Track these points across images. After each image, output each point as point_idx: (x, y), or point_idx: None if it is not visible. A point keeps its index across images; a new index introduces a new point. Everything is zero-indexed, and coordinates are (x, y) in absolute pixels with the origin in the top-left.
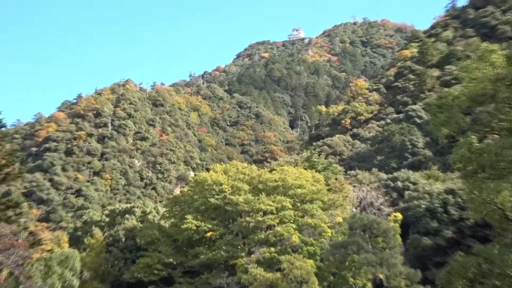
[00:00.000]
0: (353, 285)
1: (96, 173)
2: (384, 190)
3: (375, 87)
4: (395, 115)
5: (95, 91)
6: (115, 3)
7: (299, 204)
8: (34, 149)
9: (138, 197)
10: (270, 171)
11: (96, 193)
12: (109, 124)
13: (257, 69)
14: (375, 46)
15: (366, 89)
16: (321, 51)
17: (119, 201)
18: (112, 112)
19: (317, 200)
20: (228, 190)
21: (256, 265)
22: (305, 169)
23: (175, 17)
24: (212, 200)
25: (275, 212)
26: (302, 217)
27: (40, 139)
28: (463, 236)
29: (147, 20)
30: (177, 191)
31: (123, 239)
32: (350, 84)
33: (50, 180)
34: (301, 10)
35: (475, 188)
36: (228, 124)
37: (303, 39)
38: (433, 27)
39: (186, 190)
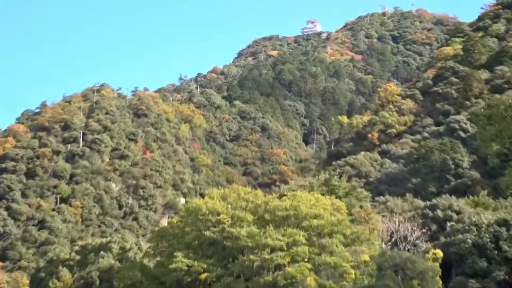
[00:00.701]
0: None
1: (64, 200)
2: (421, 221)
3: (409, 92)
4: (434, 128)
5: (63, 99)
6: None
7: (315, 239)
8: None
9: (116, 230)
10: (280, 198)
11: (64, 224)
12: (80, 139)
13: (263, 71)
14: (409, 42)
15: (398, 95)
16: (342, 48)
17: (92, 235)
18: (84, 124)
19: (337, 233)
20: (228, 221)
21: None
22: (323, 194)
23: (161, 6)
24: (207, 233)
25: (285, 249)
26: (319, 254)
27: None
28: None
29: (125, 10)
30: (164, 222)
31: (97, 282)
32: (378, 89)
33: (7, 208)
34: None
35: None
36: (228, 138)
37: (319, 34)
38: (480, 18)
39: (175, 221)
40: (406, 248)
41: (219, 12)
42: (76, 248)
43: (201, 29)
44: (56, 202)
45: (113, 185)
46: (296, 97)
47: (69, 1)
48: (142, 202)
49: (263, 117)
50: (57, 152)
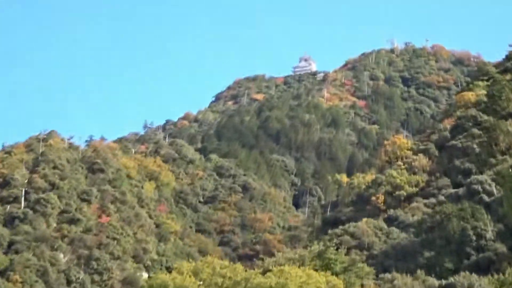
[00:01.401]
0: None
1: (0, 273)
2: None
3: (422, 147)
4: (451, 190)
5: (2, 149)
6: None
7: None
8: None
9: None
10: (263, 273)
11: None
12: (22, 199)
13: (246, 118)
14: (422, 85)
15: (408, 149)
16: (342, 91)
17: None
18: (26, 181)
19: None
20: None
21: None
22: (316, 270)
23: (123, 38)
24: None
25: None
26: None
27: None
28: None
29: (78, 43)
30: None
31: None
32: (385, 142)
33: None
34: (311, 30)
35: None
36: (201, 200)
37: (314, 74)
38: (509, 58)
39: None
40: None
41: (194, 46)
42: None
43: (171, 65)
44: None
45: (61, 255)
46: (285, 150)
47: (13, 31)
48: (96, 277)
49: (244, 175)
50: None
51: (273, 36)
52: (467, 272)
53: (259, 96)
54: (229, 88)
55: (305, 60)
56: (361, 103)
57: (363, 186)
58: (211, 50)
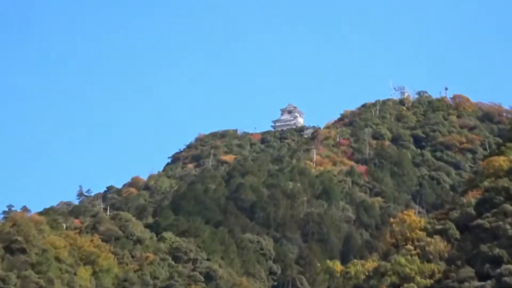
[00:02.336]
0: None
1: None
2: None
3: (439, 226)
4: (477, 283)
5: None
6: None
7: None
8: None
9: None
10: None
11: None
12: None
13: (211, 186)
14: (440, 146)
15: (421, 230)
16: (336, 153)
17: None
18: None
19: None
20: None
21: None
22: None
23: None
24: None
25: None
26: None
27: None
28: None
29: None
30: None
31: None
32: (391, 219)
33: None
34: (297, 74)
35: None
36: None
37: (301, 130)
38: None
39: None
40: None
41: (145, 94)
42: None
43: (112, 116)
44: None
45: None
46: (262, 229)
47: None
48: None
49: (208, 259)
50: None
51: (248, 81)
52: None
53: (229, 158)
54: (189, 146)
55: (289, 112)
56: (360, 168)
57: (362, 277)
58: (169, 98)
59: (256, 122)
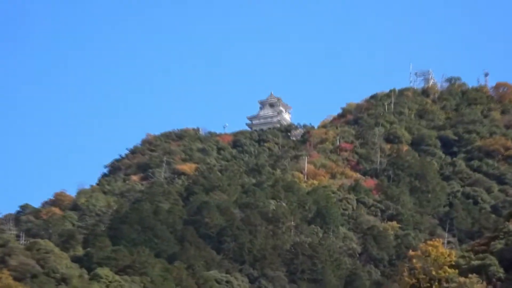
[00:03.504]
0: None
1: None
2: None
3: (475, 262)
4: None
5: None
6: None
7: None
8: None
9: None
10: None
11: None
12: None
13: (164, 206)
14: (478, 152)
15: (451, 266)
16: (336, 161)
17: None
18: None
19: None
20: None
21: None
22: None
23: None
24: None
25: None
26: None
27: None
28: None
29: None
30: None
31: None
32: (411, 252)
33: None
34: (284, 54)
35: None
36: None
37: (288, 130)
38: None
39: None
40: None
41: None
42: None
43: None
44: None
45: None
46: (233, 265)
47: None
48: None
49: None
50: None
51: (214, 64)
52: None
53: (188, 167)
54: (133, 152)
55: (271, 105)
56: (369, 182)
57: None
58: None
59: (226, 119)
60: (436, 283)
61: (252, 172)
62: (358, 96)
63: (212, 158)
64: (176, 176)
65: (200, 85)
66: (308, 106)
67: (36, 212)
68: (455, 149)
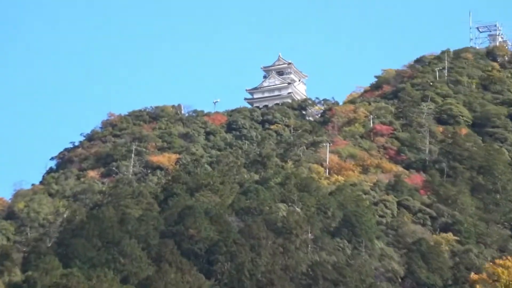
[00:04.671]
0: None
1: None
2: None
3: None
4: None
5: None
6: None
7: None
8: None
9: None
10: None
11: None
12: None
13: (133, 212)
14: None
15: None
16: (370, 149)
17: None
18: None
19: None
20: None
21: None
22: None
23: None
24: None
25: None
26: None
27: None
28: None
29: None
30: None
31: None
32: (472, 276)
33: None
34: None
35: None
36: None
37: (302, 107)
38: None
39: None
40: None
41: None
42: None
43: None
44: None
45: None
46: None
47: None
48: None
49: None
50: None
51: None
52: None
53: (166, 159)
54: (91, 138)
55: (279, 73)
56: (415, 178)
57: None
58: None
59: (218, 93)
60: None
61: (254, 165)
62: (398, 60)
63: (199, 146)
64: (149, 171)
65: (182, 47)
66: (330, 74)
67: None
68: None
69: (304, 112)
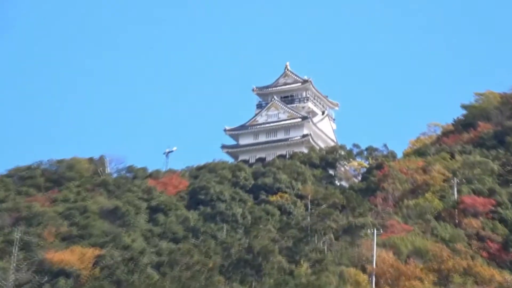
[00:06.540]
0: None
1: None
2: None
3: None
4: None
5: None
6: None
7: None
8: None
9: None
10: None
11: None
12: None
13: None
14: None
15: None
16: (455, 240)
17: None
18: None
19: None
20: None
21: None
22: None
23: None
24: None
25: None
26: None
27: None
28: None
29: None
30: None
31: None
32: None
33: None
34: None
35: None
36: None
37: (332, 159)
38: None
39: None
40: None
41: None
42: None
43: None
44: None
45: None
46: None
47: None
48: None
49: None
50: None
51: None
52: None
53: (74, 258)
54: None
55: (286, 98)
56: None
57: None
58: None
59: (175, 137)
60: None
61: (239, 270)
62: (488, 82)
63: (138, 234)
64: (46, 278)
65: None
66: (377, 102)
67: None
68: None
69: (332, 172)
